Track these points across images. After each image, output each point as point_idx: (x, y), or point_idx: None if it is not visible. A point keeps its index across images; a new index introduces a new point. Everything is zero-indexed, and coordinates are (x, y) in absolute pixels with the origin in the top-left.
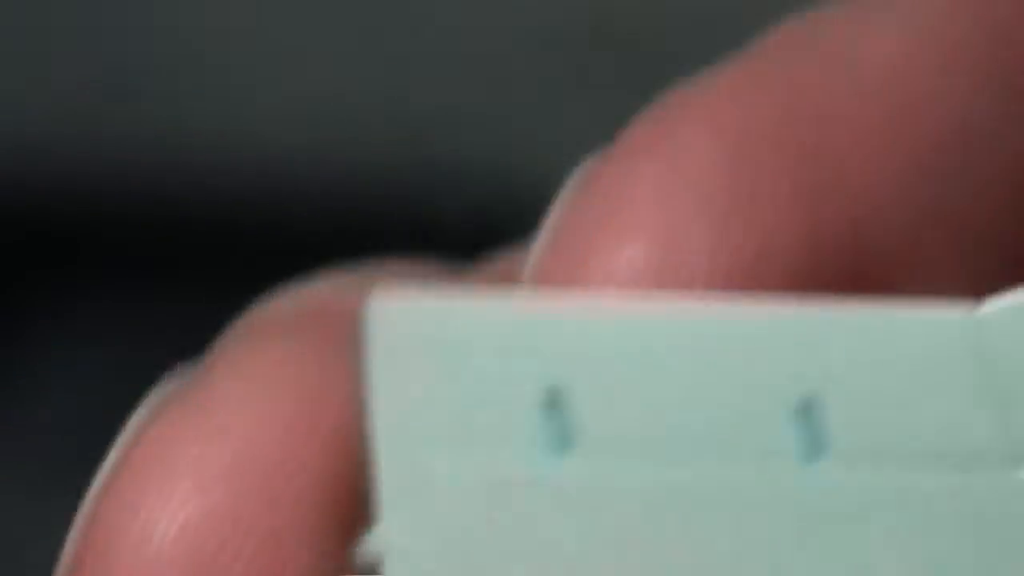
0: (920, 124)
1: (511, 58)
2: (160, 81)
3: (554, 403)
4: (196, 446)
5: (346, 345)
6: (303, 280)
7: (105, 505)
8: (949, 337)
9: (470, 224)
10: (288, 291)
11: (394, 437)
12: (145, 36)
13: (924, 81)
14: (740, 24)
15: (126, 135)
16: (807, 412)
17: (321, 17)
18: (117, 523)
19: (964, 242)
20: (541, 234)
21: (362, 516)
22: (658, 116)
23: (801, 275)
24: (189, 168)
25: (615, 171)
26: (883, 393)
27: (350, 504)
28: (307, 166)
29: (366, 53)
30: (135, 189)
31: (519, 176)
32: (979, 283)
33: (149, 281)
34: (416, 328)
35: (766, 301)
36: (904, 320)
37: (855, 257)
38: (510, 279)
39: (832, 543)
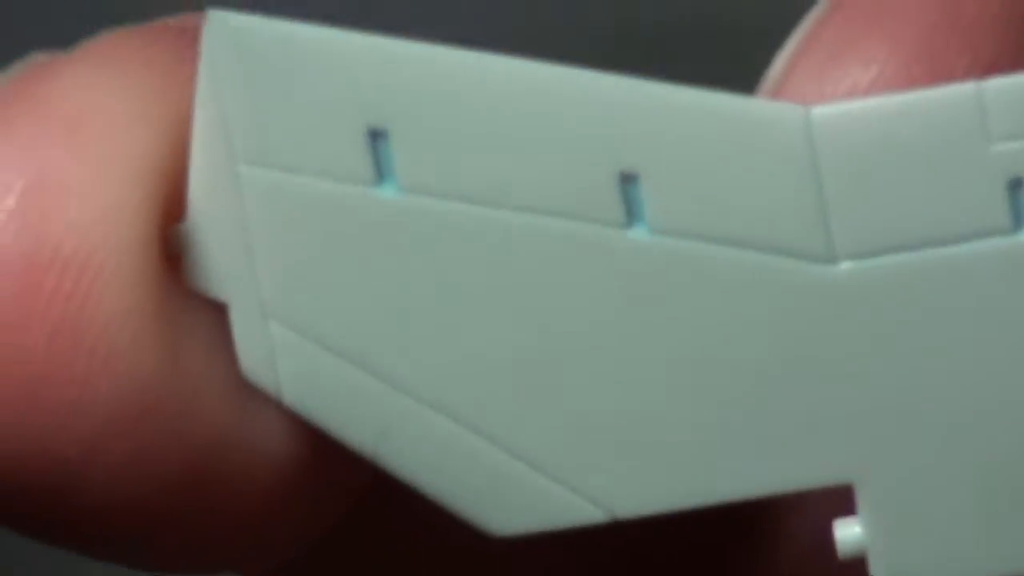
0: None
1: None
2: None
3: (376, 137)
4: (33, 108)
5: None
6: None
7: None
8: (778, 131)
9: None
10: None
11: (210, 142)
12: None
13: None
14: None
15: None
16: (629, 181)
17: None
18: None
19: None
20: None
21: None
22: None
23: None
24: None
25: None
26: (705, 174)
27: (178, 190)
28: None
29: None
30: None
31: None
32: None
33: None
34: (250, 48)
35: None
36: (736, 108)
37: None
38: None
39: (640, 307)
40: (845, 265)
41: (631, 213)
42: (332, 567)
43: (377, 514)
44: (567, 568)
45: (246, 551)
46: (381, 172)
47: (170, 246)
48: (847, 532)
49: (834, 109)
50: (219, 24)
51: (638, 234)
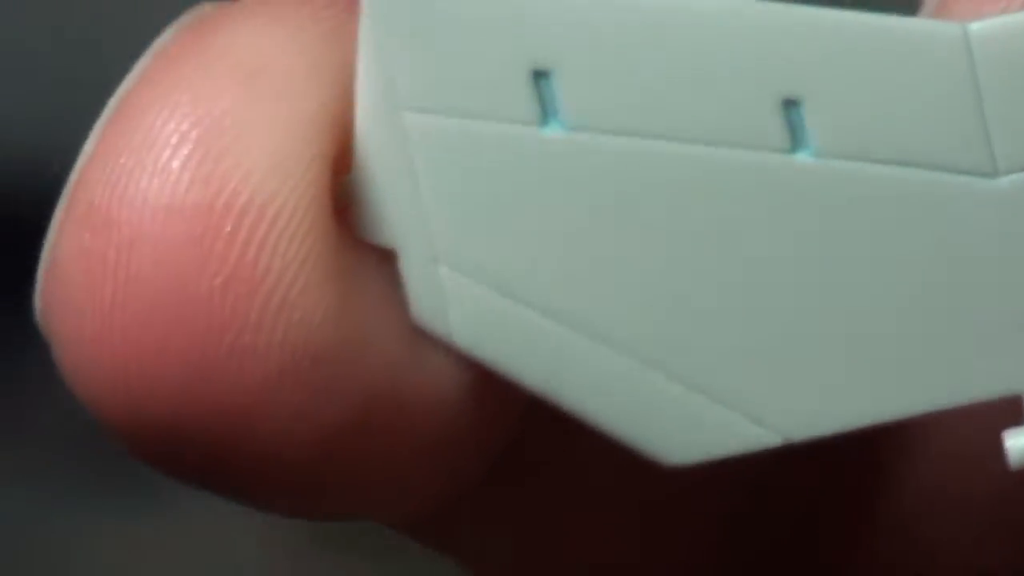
0: None
1: None
2: None
3: (542, 75)
4: (207, 58)
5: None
6: None
7: (117, 114)
8: (937, 49)
9: None
10: None
11: (375, 93)
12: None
13: None
14: None
15: None
16: (792, 107)
17: None
18: (124, 128)
19: None
20: None
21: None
22: None
23: None
24: None
25: None
26: (867, 95)
27: (348, 142)
28: None
29: None
30: None
31: None
32: None
33: None
34: None
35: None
36: (895, 29)
37: None
38: None
39: (807, 230)
40: (1008, 178)
41: (796, 138)
42: (482, 513)
43: (526, 461)
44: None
45: (402, 497)
46: (546, 111)
47: (339, 197)
48: (1019, 441)
49: (992, 23)
50: None
51: (803, 158)
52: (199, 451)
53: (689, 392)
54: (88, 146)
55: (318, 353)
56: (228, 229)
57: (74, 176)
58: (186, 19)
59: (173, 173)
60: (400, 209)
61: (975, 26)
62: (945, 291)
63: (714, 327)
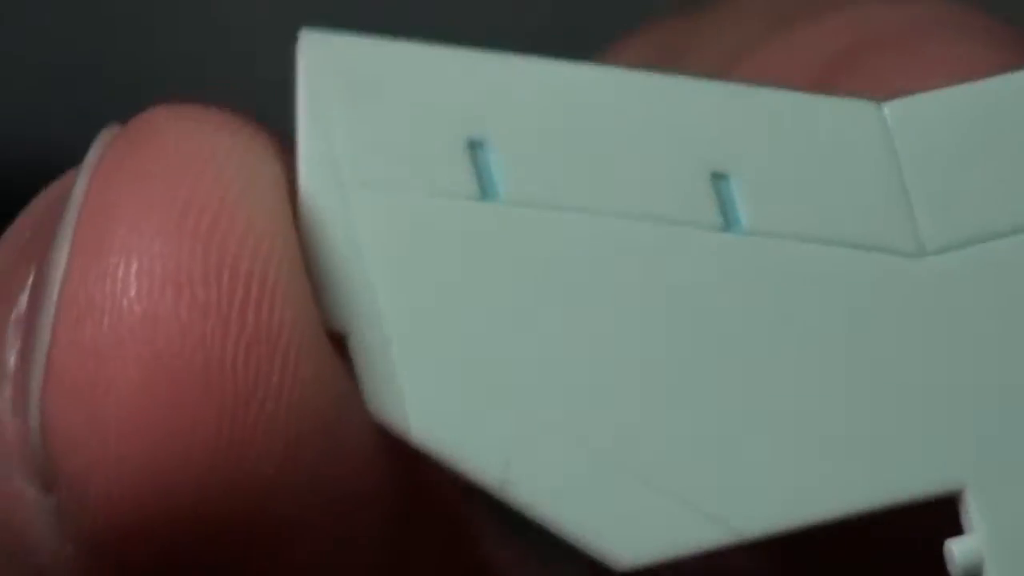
0: None
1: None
2: (160, 74)
3: (476, 148)
4: (161, 151)
5: None
6: None
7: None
8: (858, 127)
9: None
10: None
11: (317, 173)
12: (145, 29)
13: None
14: None
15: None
16: (721, 180)
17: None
18: (104, 225)
19: None
20: None
21: None
22: None
23: None
24: None
25: None
26: (791, 170)
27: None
28: None
29: None
30: None
31: None
32: None
33: None
34: (346, 67)
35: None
36: (815, 106)
37: None
38: None
39: (736, 306)
40: (933, 258)
41: (726, 212)
42: None
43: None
44: None
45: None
46: (483, 184)
47: None
48: (962, 547)
49: (904, 101)
50: (316, 45)
51: (733, 234)
52: (217, 539)
53: (642, 488)
54: (59, 254)
55: (326, 413)
56: (242, 293)
57: (53, 286)
58: (109, 133)
59: (174, 249)
60: (348, 290)
61: (889, 104)
62: (881, 380)
63: (661, 416)
